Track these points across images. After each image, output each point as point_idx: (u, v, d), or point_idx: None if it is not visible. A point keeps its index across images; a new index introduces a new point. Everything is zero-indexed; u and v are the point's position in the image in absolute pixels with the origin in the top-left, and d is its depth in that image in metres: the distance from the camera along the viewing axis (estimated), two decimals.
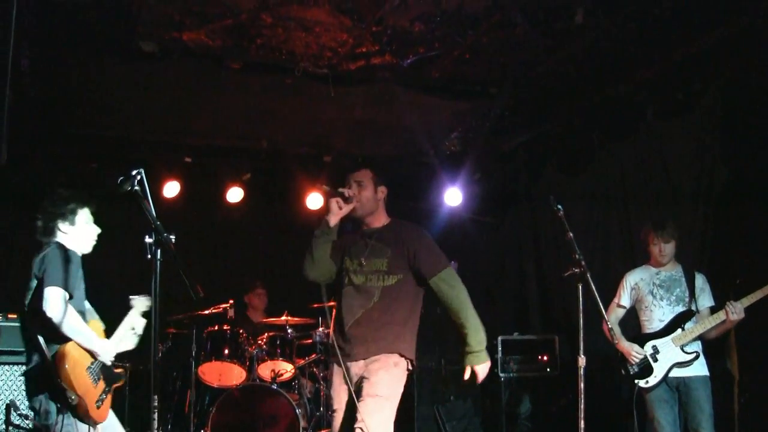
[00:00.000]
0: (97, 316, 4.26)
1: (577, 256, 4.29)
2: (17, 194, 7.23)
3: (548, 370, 7.54)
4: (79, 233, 4.18)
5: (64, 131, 7.34)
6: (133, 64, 5.86)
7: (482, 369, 4.18)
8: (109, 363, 4.08)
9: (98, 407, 3.89)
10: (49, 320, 3.73)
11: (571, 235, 4.27)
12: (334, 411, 4.15)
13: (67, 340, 3.84)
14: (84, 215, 4.21)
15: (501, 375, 7.43)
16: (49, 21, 5.13)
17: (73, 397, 3.75)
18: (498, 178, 8.83)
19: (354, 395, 4.02)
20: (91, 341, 3.96)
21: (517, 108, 6.96)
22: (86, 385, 3.84)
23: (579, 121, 7.20)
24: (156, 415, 3.05)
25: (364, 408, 3.92)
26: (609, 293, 5.48)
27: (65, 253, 3.95)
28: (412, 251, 4.20)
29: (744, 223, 5.75)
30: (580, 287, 4.28)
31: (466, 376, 4.19)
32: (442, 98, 6.70)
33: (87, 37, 5.41)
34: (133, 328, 4.34)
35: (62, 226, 4.13)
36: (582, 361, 4.28)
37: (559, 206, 4.34)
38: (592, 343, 4.55)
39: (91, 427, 3.88)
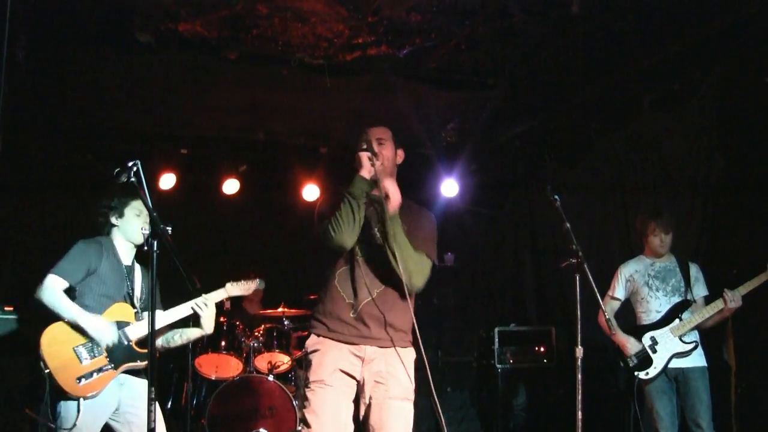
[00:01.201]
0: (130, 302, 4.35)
1: (573, 247, 4.26)
2: (13, 187, 7.21)
3: (545, 361, 7.56)
4: (127, 225, 4.35)
5: (60, 123, 7.31)
6: (129, 56, 5.84)
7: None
8: (104, 343, 4.09)
9: (80, 383, 3.95)
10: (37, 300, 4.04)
11: (567, 225, 4.23)
12: (317, 381, 3.56)
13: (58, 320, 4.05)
14: (134, 207, 4.35)
15: (497, 366, 7.44)
16: (45, 12, 5.11)
17: (46, 372, 3.90)
18: (495, 168, 8.83)
19: (377, 383, 3.60)
20: (76, 318, 4.04)
21: (514, 99, 6.94)
22: (64, 361, 3.94)
23: (576, 111, 7.18)
24: (153, 407, 3.03)
25: (405, 413, 3.61)
26: (606, 284, 5.47)
27: (81, 246, 4.20)
28: (415, 231, 3.71)
29: (740, 212, 5.75)
30: (577, 278, 4.27)
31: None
32: (438, 89, 6.68)
33: (83, 28, 5.39)
34: (200, 308, 4.45)
35: (113, 219, 4.36)
36: (579, 352, 4.27)
37: (556, 196, 4.32)
38: (590, 334, 4.54)
39: (74, 401, 3.93)
